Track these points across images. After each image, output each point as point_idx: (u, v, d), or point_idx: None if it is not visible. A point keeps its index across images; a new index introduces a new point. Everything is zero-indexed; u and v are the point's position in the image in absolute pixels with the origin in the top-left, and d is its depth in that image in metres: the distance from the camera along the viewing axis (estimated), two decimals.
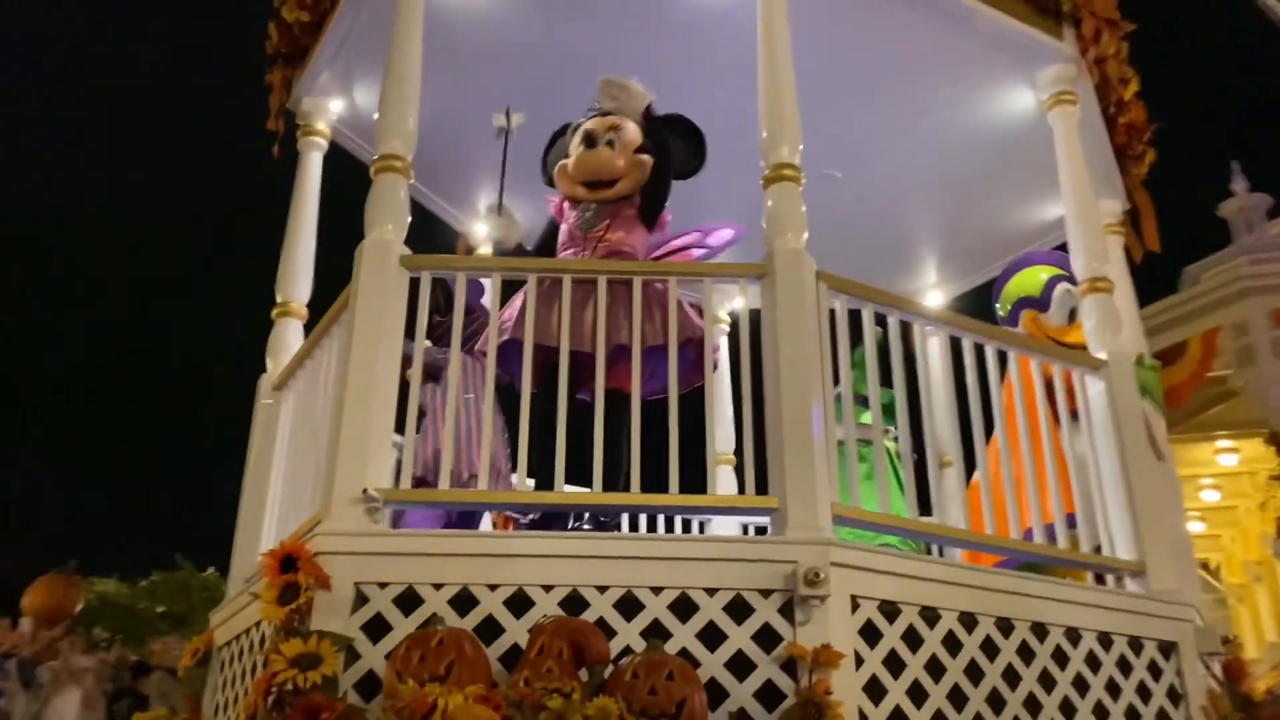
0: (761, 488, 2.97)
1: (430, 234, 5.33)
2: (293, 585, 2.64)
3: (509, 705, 2.29)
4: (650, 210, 3.73)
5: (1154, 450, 4.09)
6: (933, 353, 3.89)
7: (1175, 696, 3.34)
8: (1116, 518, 3.60)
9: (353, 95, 4.42)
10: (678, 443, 2.93)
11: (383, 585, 2.71)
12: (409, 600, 2.69)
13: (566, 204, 3.81)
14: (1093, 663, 3.17)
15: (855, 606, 2.76)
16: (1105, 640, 3.24)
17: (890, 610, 2.83)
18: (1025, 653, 3.03)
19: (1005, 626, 3.03)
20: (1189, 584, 3.67)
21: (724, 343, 5.69)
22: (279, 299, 4.16)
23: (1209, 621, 3.73)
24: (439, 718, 2.18)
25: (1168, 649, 3.40)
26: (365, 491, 2.81)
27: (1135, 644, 3.31)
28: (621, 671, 2.42)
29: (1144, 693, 3.26)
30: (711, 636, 2.67)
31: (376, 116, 3.43)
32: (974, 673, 2.90)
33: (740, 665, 2.64)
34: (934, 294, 5.97)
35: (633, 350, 3.06)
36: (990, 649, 2.97)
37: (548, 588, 2.70)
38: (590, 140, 3.77)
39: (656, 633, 2.64)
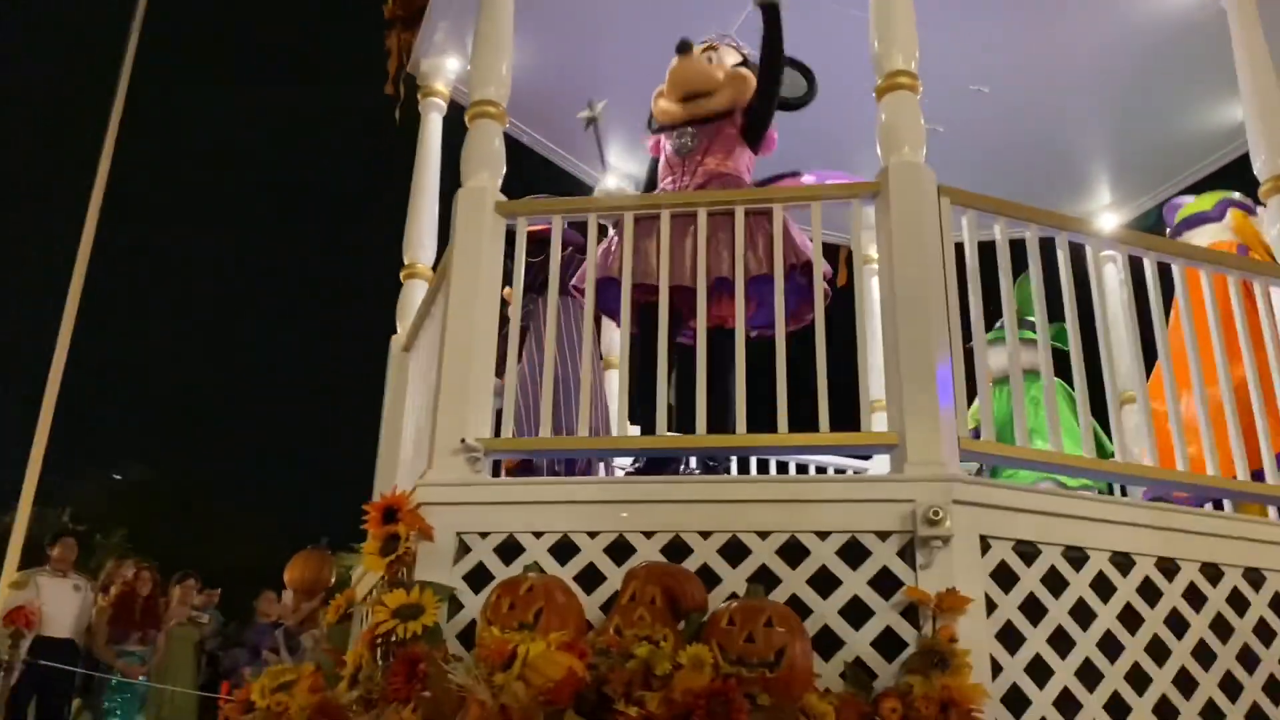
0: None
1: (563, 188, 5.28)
2: (394, 536, 2.63)
3: (595, 653, 2.19)
4: (754, 128, 3.47)
5: None
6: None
7: None
8: None
9: (467, 50, 4.37)
10: (785, 380, 2.74)
11: (484, 535, 2.67)
12: (510, 549, 2.64)
13: (663, 136, 3.62)
14: (1278, 607, 2.79)
15: (986, 548, 2.52)
16: None
17: (1028, 551, 2.56)
18: (1194, 596, 2.69)
19: (1169, 568, 2.70)
20: None
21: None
22: (405, 261, 4.21)
23: None
24: (519, 665, 2.10)
25: None
26: (463, 441, 2.77)
27: None
28: (718, 618, 2.28)
29: None
30: (824, 582, 2.48)
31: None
32: (1130, 618, 2.59)
33: (856, 612, 2.45)
34: (1109, 216, 5.47)
35: (736, 281, 2.88)
36: (1150, 592, 2.65)
37: (649, 534, 2.58)
38: (685, 48, 3.52)
39: (763, 579, 2.48)
